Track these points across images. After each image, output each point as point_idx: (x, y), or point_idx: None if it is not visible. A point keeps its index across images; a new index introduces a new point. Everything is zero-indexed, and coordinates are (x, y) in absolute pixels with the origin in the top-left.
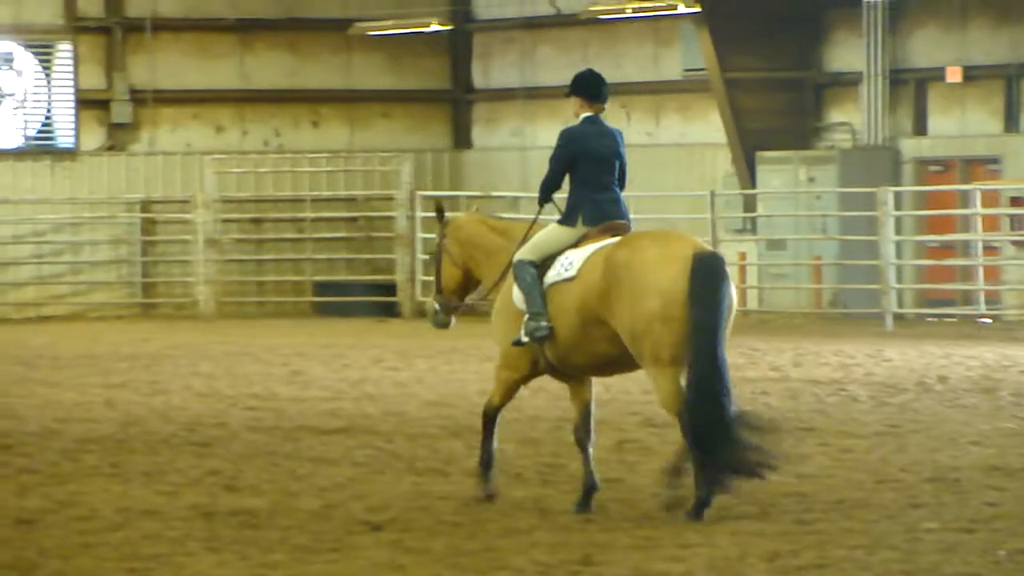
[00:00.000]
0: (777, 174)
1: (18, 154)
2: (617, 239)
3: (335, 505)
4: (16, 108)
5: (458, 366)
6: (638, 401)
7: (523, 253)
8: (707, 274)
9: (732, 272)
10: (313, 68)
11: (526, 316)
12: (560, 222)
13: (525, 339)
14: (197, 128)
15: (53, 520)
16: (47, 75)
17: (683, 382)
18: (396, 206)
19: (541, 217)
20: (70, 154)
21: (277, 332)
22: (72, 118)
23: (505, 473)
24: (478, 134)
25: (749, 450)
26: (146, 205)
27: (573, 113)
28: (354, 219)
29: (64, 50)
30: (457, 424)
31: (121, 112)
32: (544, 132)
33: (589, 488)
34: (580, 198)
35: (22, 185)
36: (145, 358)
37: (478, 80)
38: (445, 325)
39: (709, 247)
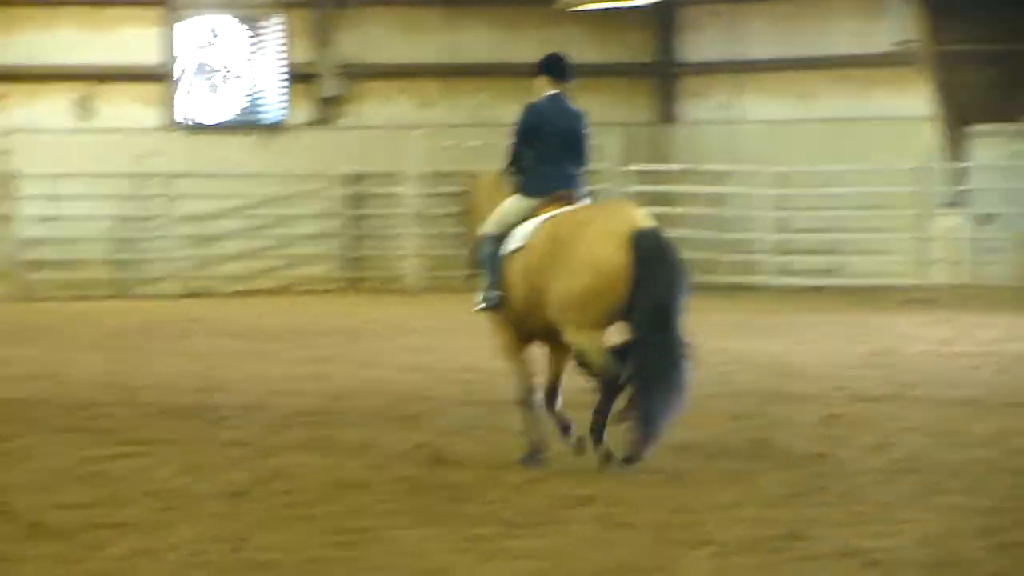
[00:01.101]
0: (988, 147)
1: (228, 128)
2: (567, 210)
3: (542, 479)
4: (226, 82)
5: None
6: (847, 376)
7: (486, 226)
8: (648, 249)
9: (938, 246)
10: (520, 42)
11: (482, 285)
12: (517, 191)
13: (481, 306)
14: (404, 102)
15: (261, 493)
16: (258, 49)
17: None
18: (603, 179)
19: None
20: (279, 128)
21: None
22: (282, 92)
23: (711, 448)
24: (685, 108)
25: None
26: (354, 179)
27: (536, 91)
28: None
29: (275, 24)
30: None
31: (330, 86)
32: (753, 106)
33: (565, 426)
34: (532, 171)
35: (231, 159)
36: (352, 332)
37: (684, 54)
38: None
39: (650, 222)
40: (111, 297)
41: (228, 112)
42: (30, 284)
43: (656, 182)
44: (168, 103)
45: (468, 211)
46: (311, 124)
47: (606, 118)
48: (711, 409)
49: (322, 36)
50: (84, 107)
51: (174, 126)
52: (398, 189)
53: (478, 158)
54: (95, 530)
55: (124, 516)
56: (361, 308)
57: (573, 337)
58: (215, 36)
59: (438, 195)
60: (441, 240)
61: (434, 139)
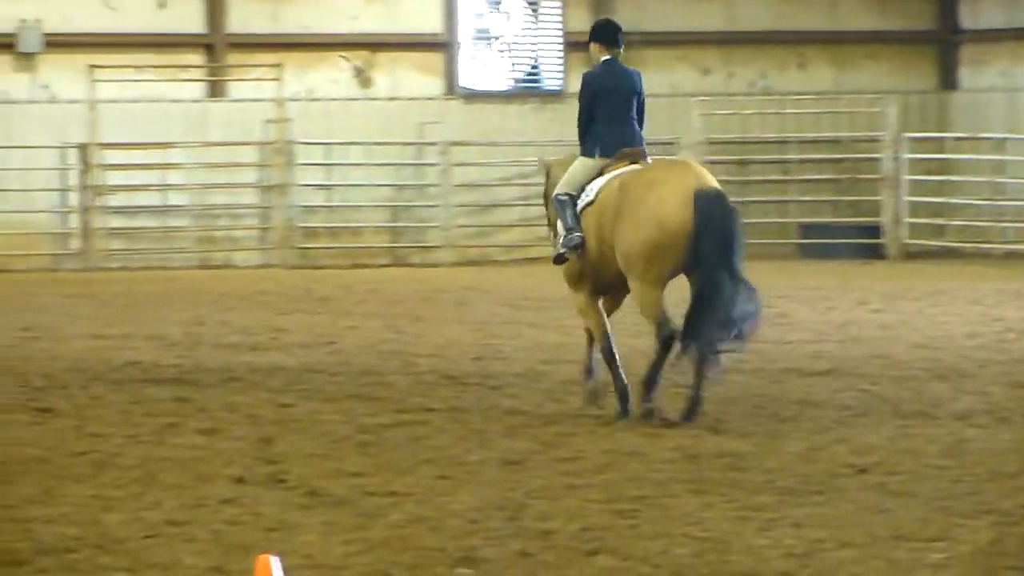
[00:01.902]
0: None
1: (506, 97)
2: (635, 167)
3: (820, 447)
4: (504, 51)
5: (945, 308)
6: None
7: (559, 188)
8: (709, 208)
9: None
10: (799, 10)
11: (563, 232)
12: (581, 154)
13: (562, 249)
14: (683, 70)
15: (540, 461)
16: (535, 18)
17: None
18: (882, 148)
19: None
20: (557, 96)
21: (761, 274)
22: (559, 61)
23: (991, 416)
24: (965, 75)
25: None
26: None
27: (593, 58)
28: (839, 161)
29: None
30: (943, 367)
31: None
32: None
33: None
34: (597, 132)
35: (509, 127)
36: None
37: (965, 21)
38: (563, 262)
39: (712, 182)
40: (388, 265)
41: (506, 80)
42: (307, 252)
43: (934, 151)
44: (446, 71)
45: (546, 194)
46: None
47: (885, 86)
48: (989, 377)
49: (600, 3)
50: (362, 75)
51: (452, 94)
52: (676, 157)
53: (756, 127)
54: (373, 498)
55: (402, 484)
56: None
57: (635, 289)
58: (494, 4)
59: (716, 163)
60: None
61: (712, 107)
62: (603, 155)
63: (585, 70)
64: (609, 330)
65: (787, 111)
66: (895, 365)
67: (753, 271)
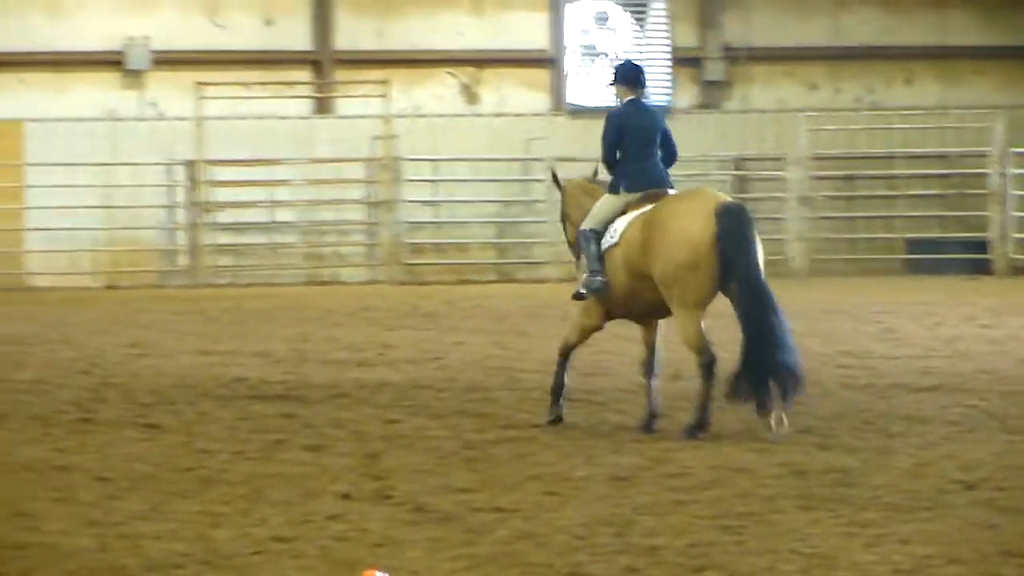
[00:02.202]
0: None
1: None
2: (653, 206)
3: (928, 463)
4: (611, 67)
5: None
6: None
7: (585, 223)
8: (732, 221)
9: None
10: (906, 25)
11: (586, 273)
12: (608, 191)
13: (583, 291)
14: (790, 86)
15: (647, 477)
16: (642, 33)
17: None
18: (989, 163)
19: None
20: (664, 112)
21: (868, 289)
22: (667, 76)
23: None
24: None
25: (781, 374)
26: (739, 163)
27: (617, 98)
28: (946, 176)
29: (658, 8)
30: None
31: (714, 70)
32: None
33: (652, 414)
34: (623, 170)
35: None
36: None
37: None
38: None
39: (731, 199)
40: (494, 281)
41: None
42: (414, 268)
43: None
44: (553, 87)
45: (563, 216)
46: (696, 108)
47: (992, 101)
48: None
49: (706, 20)
50: (468, 92)
51: (559, 110)
52: (783, 173)
53: (863, 142)
54: (479, 514)
55: (508, 500)
56: None
57: (678, 315)
58: (600, 20)
59: (823, 179)
60: (825, 224)
61: (819, 122)
62: (628, 191)
63: (614, 108)
64: (580, 345)
65: (894, 126)
66: (1003, 380)
67: (860, 287)
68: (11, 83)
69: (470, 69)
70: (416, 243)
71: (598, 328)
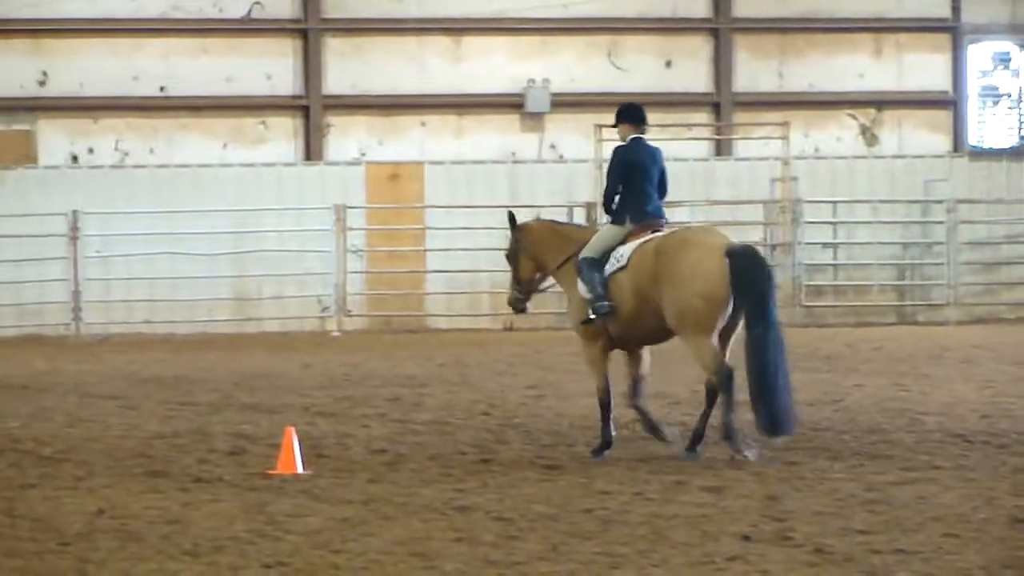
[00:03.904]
0: None
1: (1014, 154)
2: (660, 233)
3: None
4: (1013, 108)
5: None
6: None
7: (585, 252)
8: (745, 263)
9: None
10: None
11: (591, 300)
12: (611, 222)
13: (592, 316)
14: None
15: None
16: None
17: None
18: None
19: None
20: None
21: None
22: None
23: None
24: None
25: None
26: None
27: (620, 136)
28: None
29: None
30: None
31: None
32: None
33: (655, 428)
34: (627, 203)
35: (1017, 185)
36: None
37: None
38: (523, 310)
39: (738, 242)
40: (894, 323)
41: (1014, 137)
42: (812, 310)
43: None
44: (953, 128)
45: (514, 254)
46: None
47: None
48: None
49: None
50: (867, 133)
51: (959, 151)
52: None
53: None
54: (879, 556)
55: (908, 542)
56: None
57: (691, 343)
58: (1001, 61)
59: None
60: None
61: None
62: (632, 223)
63: (619, 145)
64: (611, 385)
65: None
66: None
67: None
68: (413, 125)
69: (869, 110)
70: (815, 285)
71: (607, 354)
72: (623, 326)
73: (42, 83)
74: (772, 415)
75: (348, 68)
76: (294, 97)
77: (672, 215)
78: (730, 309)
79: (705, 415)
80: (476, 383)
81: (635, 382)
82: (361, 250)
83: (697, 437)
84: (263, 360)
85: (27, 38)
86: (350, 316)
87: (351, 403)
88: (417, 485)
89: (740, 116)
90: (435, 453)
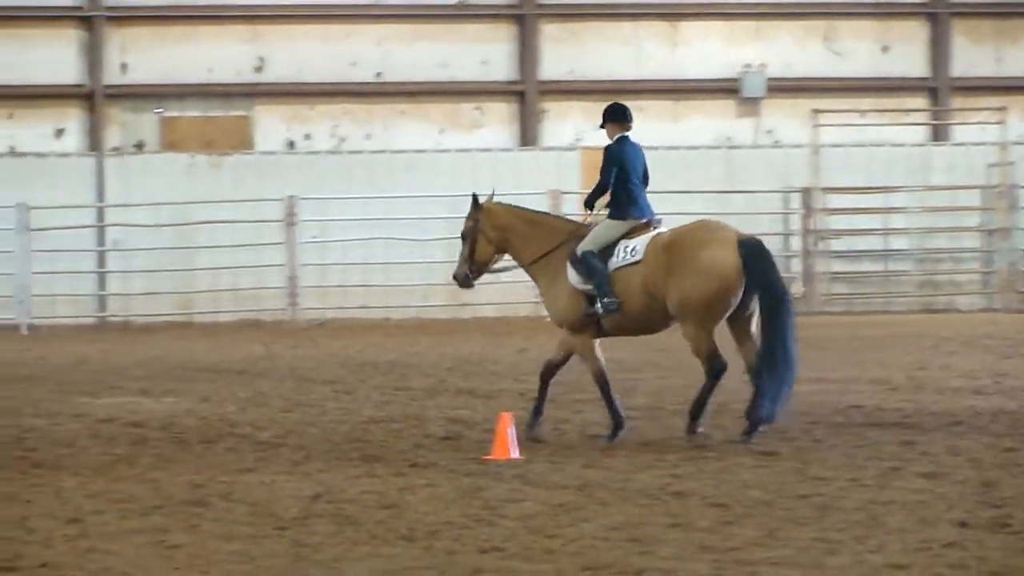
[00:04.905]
0: None
1: None
2: (668, 229)
3: None
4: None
5: None
6: None
7: (586, 246)
8: (755, 253)
9: None
10: None
11: (599, 294)
12: (612, 217)
13: (600, 310)
14: None
15: None
16: None
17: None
18: None
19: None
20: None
21: None
22: None
23: None
24: None
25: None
26: None
27: (608, 136)
28: None
29: None
30: None
31: None
32: None
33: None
34: (623, 198)
35: None
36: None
37: None
38: (471, 286)
39: (747, 234)
40: None
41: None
42: None
43: None
44: None
45: (476, 232)
46: None
47: None
48: None
49: None
50: None
51: None
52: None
53: None
54: None
55: None
56: None
57: (692, 334)
58: None
59: None
60: None
61: None
62: (633, 218)
63: (612, 144)
64: (600, 360)
65: None
66: None
67: None
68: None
69: None
70: None
71: (593, 340)
72: (621, 318)
73: (259, 69)
74: (775, 400)
75: (564, 53)
76: (510, 83)
77: (888, 201)
78: (739, 299)
79: (754, 398)
80: (689, 369)
81: (558, 365)
82: None
83: (754, 423)
84: (478, 345)
85: (244, 24)
86: None
87: (565, 388)
88: (632, 470)
89: (957, 101)
90: (649, 439)
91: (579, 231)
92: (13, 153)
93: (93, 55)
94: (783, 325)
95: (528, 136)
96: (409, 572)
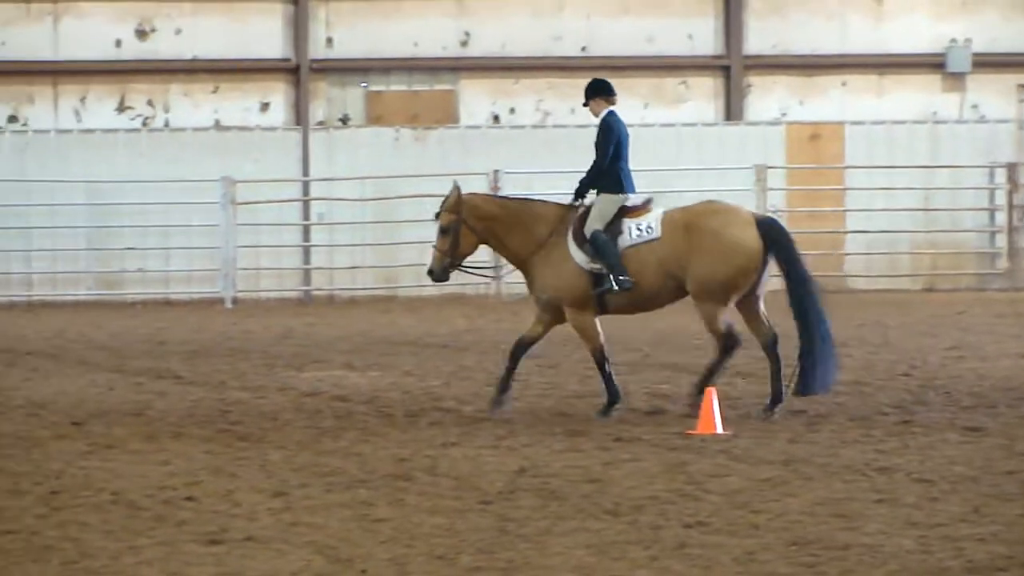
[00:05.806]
0: None
1: None
2: (673, 208)
3: None
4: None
5: None
6: None
7: (593, 223)
8: (775, 232)
9: None
10: None
11: (612, 273)
12: (609, 192)
13: (616, 287)
14: None
15: None
16: None
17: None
18: None
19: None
20: None
21: None
22: None
23: None
24: None
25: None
26: None
27: (593, 112)
28: None
29: None
30: None
31: None
32: None
33: (504, 386)
34: (618, 172)
35: None
36: None
37: None
38: (447, 279)
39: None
40: None
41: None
42: None
43: None
44: None
45: (458, 225)
46: None
47: None
48: None
49: None
50: None
51: None
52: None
53: None
54: None
55: None
56: None
57: (706, 310)
58: None
59: None
60: None
61: None
62: (627, 192)
63: (605, 117)
64: (602, 340)
65: None
66: None
67: None
68: (833, 85)
69: None
70: None
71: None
72: (636, 297)
73: (464, 43)
74: (819, 371)
75: (768, 28)
76: (715, 57)
77: None
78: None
79: (774, 374)
80: (896, 344)
81: (544, 333)
82: (780, 210)
83: (776, 397)
84: (681, 320)
85: None
86: None
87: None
88: (837, 446)
89: None
90: (856, 414)
91: (568, 213)
92: (218, 126)
93: (299, 30)
94: (814, 300)
95: (733, 111)
96: (614, 547)
